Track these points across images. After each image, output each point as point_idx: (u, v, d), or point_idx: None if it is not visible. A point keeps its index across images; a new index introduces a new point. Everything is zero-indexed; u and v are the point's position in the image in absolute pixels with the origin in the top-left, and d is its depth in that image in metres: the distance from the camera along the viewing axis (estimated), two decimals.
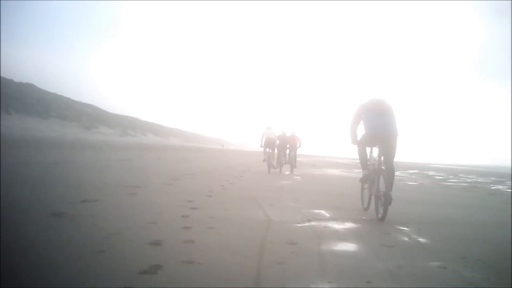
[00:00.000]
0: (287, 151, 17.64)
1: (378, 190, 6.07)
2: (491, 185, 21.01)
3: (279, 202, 7.32)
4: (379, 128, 6.09)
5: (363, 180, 6.63)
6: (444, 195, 12.43)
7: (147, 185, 8.51)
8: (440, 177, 27.72)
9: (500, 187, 19.64)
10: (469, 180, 25.68)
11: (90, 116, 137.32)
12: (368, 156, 6.54)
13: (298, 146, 17.65)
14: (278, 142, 17.04)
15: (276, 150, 17.27)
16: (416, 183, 18.01)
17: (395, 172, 6.21)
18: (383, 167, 6.07)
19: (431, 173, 37.45)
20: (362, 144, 6.41)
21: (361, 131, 6.48)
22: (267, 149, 16.75)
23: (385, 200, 5.69)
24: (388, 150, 6.06)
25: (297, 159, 18.54)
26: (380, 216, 5.89)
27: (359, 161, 6.55)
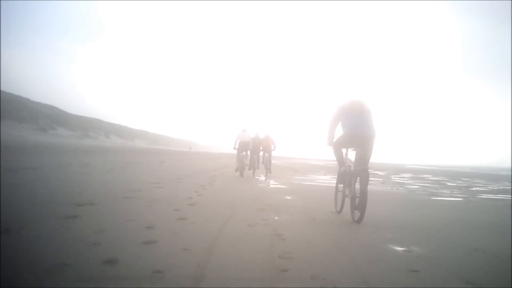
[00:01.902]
0: (261, 154, 17.05)
1: (354, 192, 5.99)
2: None
3: None
4: (357, 129, 6.03)
5: (340, 177, 6.53)
6: None
7: None
8: (452, 184, 22.22)
9: None
10: (504, 188, 20.22)
11: (49, 118, 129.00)
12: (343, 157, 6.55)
13: (272, 148, 16.91)
14: (251, 144, 16.19)
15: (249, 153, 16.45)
16: (461, 199, 12.16)
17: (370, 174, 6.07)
18: (359, 169, 5.94)
19: (426, 176, 32.27)
20: (339, 145, 6.40)
21: (338, 133, 6.41)
22: (242, 153, 16.00)
23: (361, 200, 5.63)
24: (365, 151, 6.03)
25: (272, 161, 17.25)
26: (356, 219, 5.82)
27: (335, 161, 6.57)
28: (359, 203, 5.70)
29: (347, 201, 6.39)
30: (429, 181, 24.10)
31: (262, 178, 15.46)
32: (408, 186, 17.63)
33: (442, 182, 24.33)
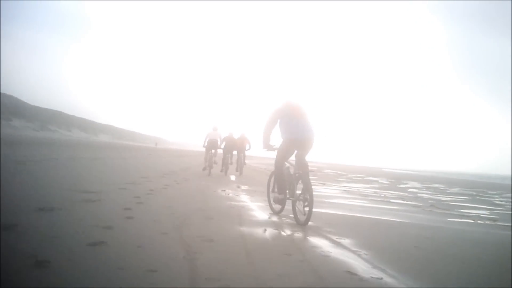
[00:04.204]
0: (235, 153, 16.82)
1: (297, 195, 5.83)
2: None
3: None
4: (297, 133, 5.85)
5: (277, 202, 6.15)
6: None
7: None
8: (500, 201, 15.82)
9: None
10: None
11: (5, 107, 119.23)
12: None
13: (247, 148, 16.89)
14: (224, 143, 15.67)
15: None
16: None
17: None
18: (301, 172, 5.84)
19: (437, 185, 26.15)
20: (283, 155, 6.06)
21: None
22: (211, 151, 15.11)
23: (310, 203, 5.38)
24: (305, 154, 5.95)
25: (246, 161, 17.89)
26: (303, 221, 5.45)
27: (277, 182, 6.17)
28: (308, 206, 5.41)
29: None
30: (466, 196, 17.62)
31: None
32: (469, 212, 10.99)
33: (486, 197, 17.91)
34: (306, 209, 5.45)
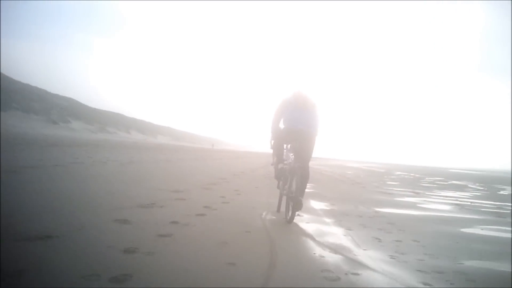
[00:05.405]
0: None
1: (291, 191, 5.55)
2: None
3: None
4: (297, 124, 5.61)
5: (278, 175, 6.07)
6: None
7: None
8: None
9: None
10: None
11: (65, 110, 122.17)
12: (284, 154, 6.10)
13: None
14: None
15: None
16: None
17: None
18: (297, 166, 5.54)
19: None
20: (278, 139, 5.91)
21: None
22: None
23: (294, 204, 5.22)
24: (303, 148, 5.62)
25: None
26: (288, 218, 5.41)
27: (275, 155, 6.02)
28: (294, 201, 5.27)
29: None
30: None
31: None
32: None
33: None
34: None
